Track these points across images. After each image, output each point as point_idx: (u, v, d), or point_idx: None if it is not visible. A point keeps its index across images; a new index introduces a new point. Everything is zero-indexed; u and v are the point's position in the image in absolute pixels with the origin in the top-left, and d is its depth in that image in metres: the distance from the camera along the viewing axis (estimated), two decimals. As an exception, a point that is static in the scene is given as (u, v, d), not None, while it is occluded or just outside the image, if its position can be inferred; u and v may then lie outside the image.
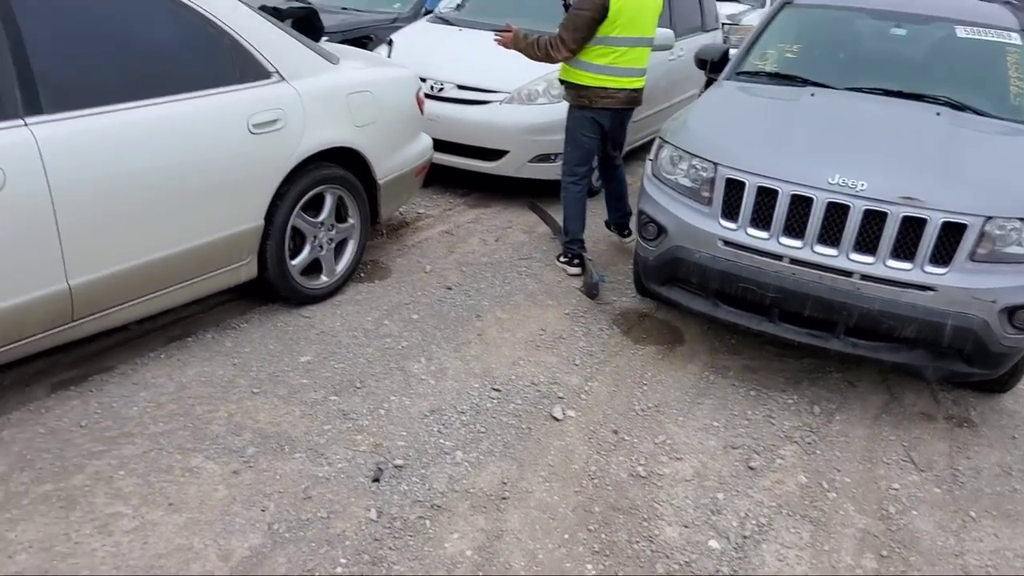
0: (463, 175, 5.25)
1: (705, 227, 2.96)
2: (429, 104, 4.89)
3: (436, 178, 5.40)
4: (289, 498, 2.17)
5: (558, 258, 4.23)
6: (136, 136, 2.43)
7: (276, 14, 3.96)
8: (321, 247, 3.33)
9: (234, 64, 2.80)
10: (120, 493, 2.12)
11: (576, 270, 4.04)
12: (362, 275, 3.75)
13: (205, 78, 2.69)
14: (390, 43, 5.66)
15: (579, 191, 4.04)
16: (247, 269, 2.99)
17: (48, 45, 2.25)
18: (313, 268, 3.36)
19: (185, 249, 2.66)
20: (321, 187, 3.20)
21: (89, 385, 2.63)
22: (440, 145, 4.99)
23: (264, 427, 2.48)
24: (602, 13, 3.57)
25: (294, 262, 3.20)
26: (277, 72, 2.95)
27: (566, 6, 4.15)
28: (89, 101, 2.34)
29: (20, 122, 2.17)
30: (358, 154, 3.35)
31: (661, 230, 3.11)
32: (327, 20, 7.23)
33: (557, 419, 2.70)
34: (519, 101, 4.85)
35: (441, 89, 4.95)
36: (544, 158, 4.89)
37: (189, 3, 2.67)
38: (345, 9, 7.70)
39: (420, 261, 4.00)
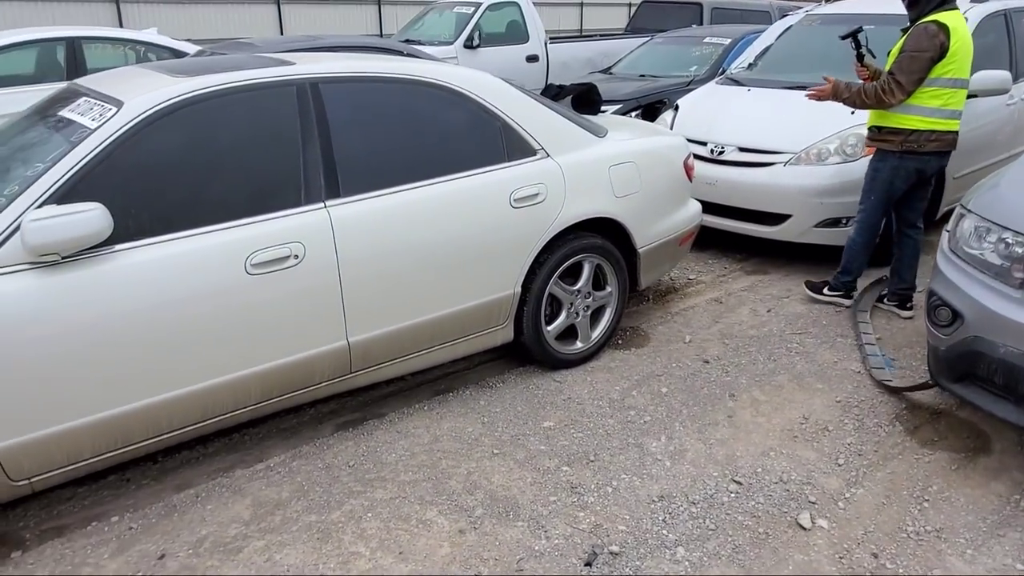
0: (742, 239, 5.02)
1: (1015, 316, 2.43)
2: (708, 168, 4.79)
3: (713, 242, 5.23)
4: (502, 567, 2.23)
5: (822, 290, 4.14)
6: (409, 214, 2.75)
7: (559, 91, 4.23)
8: (577, 314, 3.42)
9: (503, 144, 3.04)
10: (364, 534, 2.37)
11: (847, 301, 4.12)
12: (619, 342, 3.76)
13: (476, 158, 2.97)
14: (676, 108, 5.69)
15: (865, 243, 3.97)
16: (503, 333, 3.18)
17: (348, 139, 2.68)
18: (568, 334, 3.46)
19: (447, 314, 2.92)
20: (579, 256, 3.29)
21: (364, 428, 3.00)
22: (718, 209, 4.85)
23: (496, 489, 2.58)
24: (940, 53, 3.49)
25: (549, 328, 3.32)
26: (543, 149, 3.14)
27: (859, 56, 3.83)
28: (375, 184, 2.72)
29: (321, 205, 2.60)
30: (618, 223, 3.40)
31: (956, 316, 2.62)
32: (624, 87, 7.60)
33: (804, 528, 2.39)
34: (806, 161, 4.51)
35: (722, 152, 4.82)
36: (833, 222, 4.47)
37: (466, 91, 2.98)
38: (643, 76, 7.95)
39: (681, 331, 3.89)
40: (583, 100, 4.17)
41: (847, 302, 4.18)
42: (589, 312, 3.47)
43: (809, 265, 4.78)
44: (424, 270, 2.81)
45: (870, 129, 3.86)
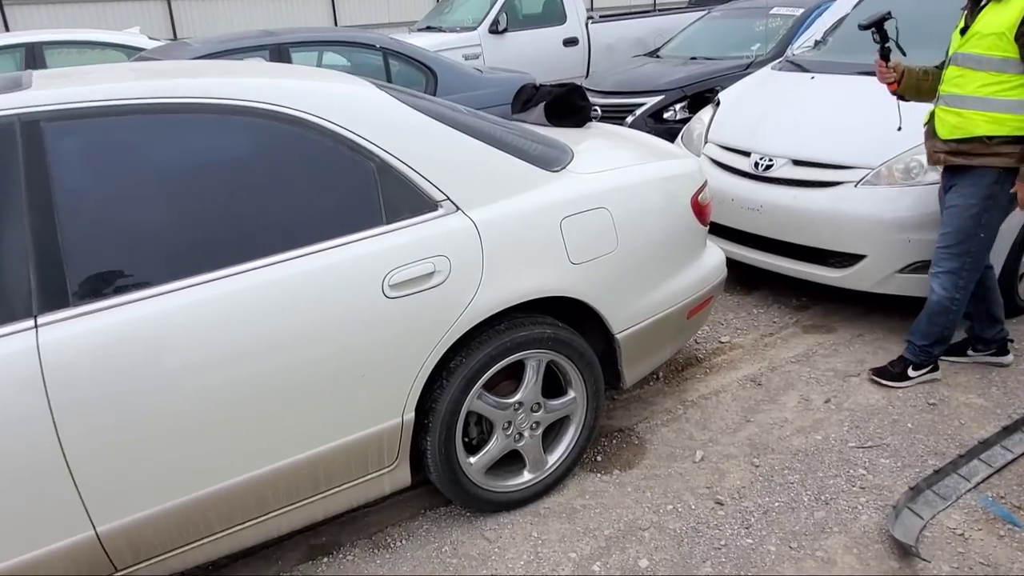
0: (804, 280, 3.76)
1: None
2: (751, 188, 3.56)
3: (763, 279, 3.98)
4: None
5: (903, 375, 2.96)
6: (199, 325, 1.72)
7: (535, 93, 3.09)
8: (520, 435, 2.31)
9: (378, 197, 1.96)
10: None
11: (933, 374, 2.98)
12: (598, 457, 2.63)
13: (329, 224, 1.90)
14: (716, 103, 4.42)
15: (964, 302, 2.85)
16: (393, 477, 2.12)
17: (90, 209, 1.67)
18: (513, 459, 2.36)
19: (281, 467, 1.88)
20: (517, 355, 2.19)
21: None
22: (765, 244, 3.61)
23: None
24: None
25: (472, 460, 2.24)
26: (448, 199, 2.04)
27: (884, 52, 2.87)
28: (143, 279, 1.70)
29: (29, 323, 1.59)
30: (580, 301, 2.27)
31: None
32: (667, 74, 6.31)
33: None
34: (888, 180, 3.22)
35: (770, 166, 3.57)
36: (926, 267, 3.16)
37: (315, 118, 1.91)
38: (694, 59, 6.66)
39: (694, 437, 2.72)
40: (560, 108, 3.02)
41: (938, 375, 2.99)
42: (541, 429, 2.36)
43: (895, 318, 3.47)
44: (230, 409, 1.78)
45: (967, 141, 2.58)
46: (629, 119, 6.15)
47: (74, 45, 6.21)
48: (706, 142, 4.08)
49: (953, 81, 2.62)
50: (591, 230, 2.25)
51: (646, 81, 6.36)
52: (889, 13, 2.75)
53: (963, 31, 2.61)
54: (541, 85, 3.28)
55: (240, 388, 1.76)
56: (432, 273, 1.97)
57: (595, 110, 6.20)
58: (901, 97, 2.91)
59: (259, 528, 1.94)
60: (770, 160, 3.59)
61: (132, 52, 6.28)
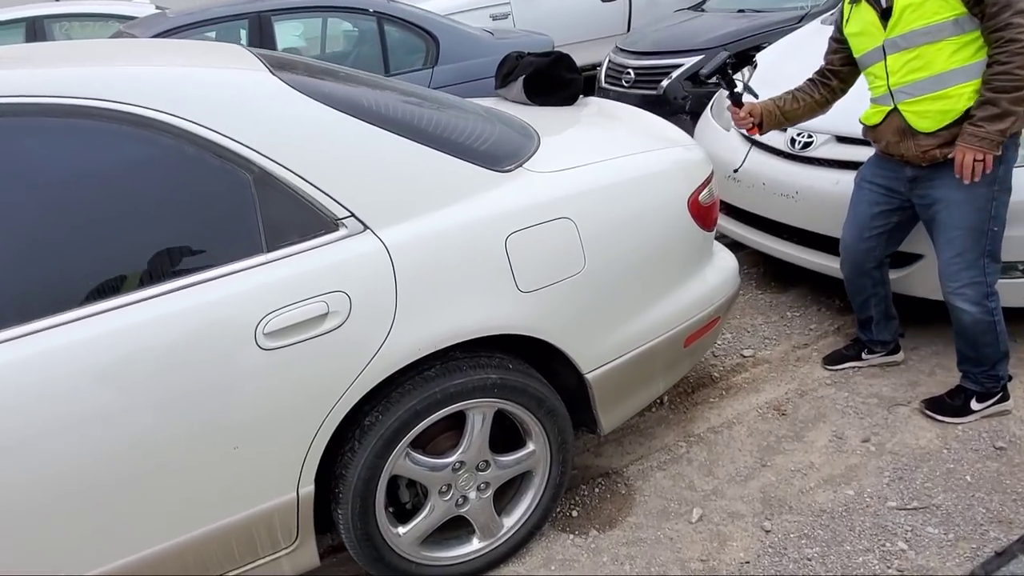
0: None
1: None
2: (787, 169, 3.00)
3: (803, 276, 3.42)
4: None
5: (966, 410, 2.42)
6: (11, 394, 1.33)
7: (516, 65, 2.59)
8: (464, 499, 1.89)
9: (255, 217, 1.52)
10: None
11: (1003, 405, 2.42)
12: (574, 511, 2.19)
13: (179, 260, 1.48)
14: (753, 64, 3.79)
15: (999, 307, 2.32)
16: (293, 560, 1.72)
17: None
18: (464, 521, 1.94)
19: (143, 557, 1.51)
20: (453, 406, 1.75)
21: None
22: (802, 237, 3.05)
23: None
24: None
25: (402, 530, 1.82)
26: (352, 216, 1.59)
27: (734, 97, 2.55)
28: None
29: None
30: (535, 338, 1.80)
31: None
32: (709, 30, 5.63)
33: None
34: (954, 164, 2.60)
35: (808, 144, 2.98)
36: (1009, 267, 2.56)
37: (162, 115, 1.47)
38: (742, 11, 5.94)
39: (694, 484, 2.24)
40: (541, 82, 2.51)
41: (1009, 405, 2.43)
42: (492, 490, 1.92)
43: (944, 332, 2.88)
44: (56, 500, 1.39)
45: (955, 124, 2.17)
46: (664, 83, 5.53)
47: (76, 18, 5.94)
48: (737, 113, 3.48)
49: (908, 67, 2.14)
50: (548, 248, 1.77)
51: (684, 39, 5.71)
52: (730, 56, 2.46)
53: (883, 15, 2.15)
54: (526, 54, 2.76)
55: (64, 475, 1.38)
56: (325, 315, 1.53)
57: (620, 80, 5.58)
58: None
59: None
60: (809, 136, 2.99)
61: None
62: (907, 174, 2.30)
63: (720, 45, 5.47)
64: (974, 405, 2.38)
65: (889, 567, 1.89)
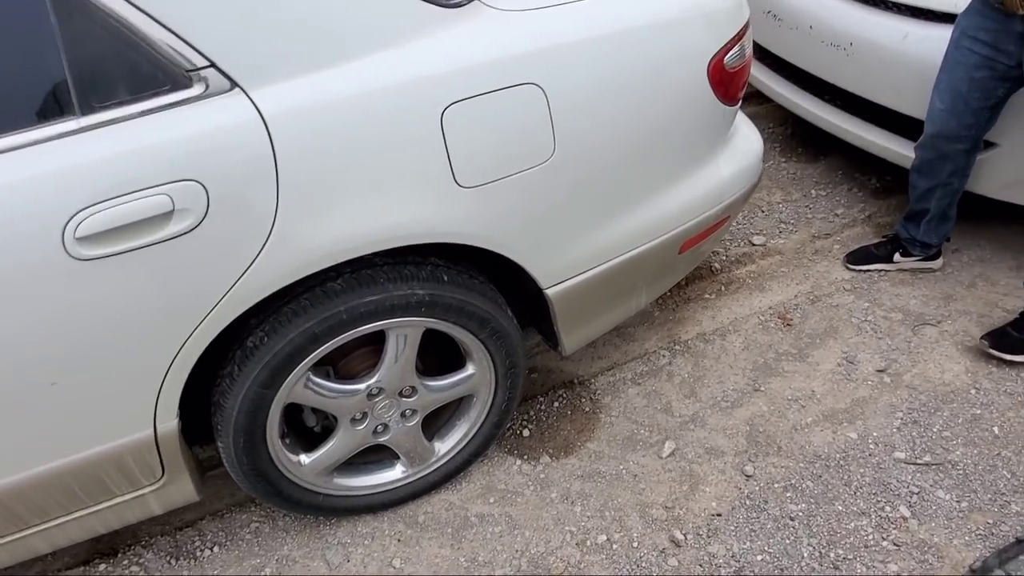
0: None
1: None
2: (842, 10, 2.39)
3: (838, 144, 2.89)
4: None
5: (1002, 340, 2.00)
6: None
7: None
8: (384, 427, 1.54)
9: (61, 64, 1.02)
10: None
11: None
12: (526, 430, 1.87)
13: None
14: None
15: None
16: (162, 496, 1.40)
17: None
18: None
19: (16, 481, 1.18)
20: (365, 327, 1.34)
21: None
22: (848, 101, 2.49)
23: None
24: None
25: (306, 459, 1.49)
26: (214, 67, 1.08)
27: None
28: None
29: None
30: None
31: None
32: None
33: None
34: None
35: (874, -19, 2.32)
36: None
37: None
38: None
39: (671, 407, 1.90)
40: None
41: None
42: (420, 416, 1.57)
43: (1011, 234, 2.41)
44: None
45: None
46: None
47: None
48: (793, -71, 2.75)
49: None
50: (503, 127, 1.27)
51: None
52: None
53: None
54: None
55: None
56: (169, 213, 1.08)
57: None
58: None
59: (24, 543, 1.30)
60: (881, -30, 2.32)
61: None
62: (1019, 28, 1.75)
63: None
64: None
65: (885, 537, 1.59)
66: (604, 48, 1.33)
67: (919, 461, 1.75)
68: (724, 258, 2.41)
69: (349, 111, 1.15)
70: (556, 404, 1.93)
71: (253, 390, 1.31)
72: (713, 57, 1.47)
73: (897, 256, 2.29)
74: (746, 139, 1.75)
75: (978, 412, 1.86)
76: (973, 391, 1.92)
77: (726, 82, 1.53)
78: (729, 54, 1.50)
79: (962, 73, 1.90)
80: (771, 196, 2.70)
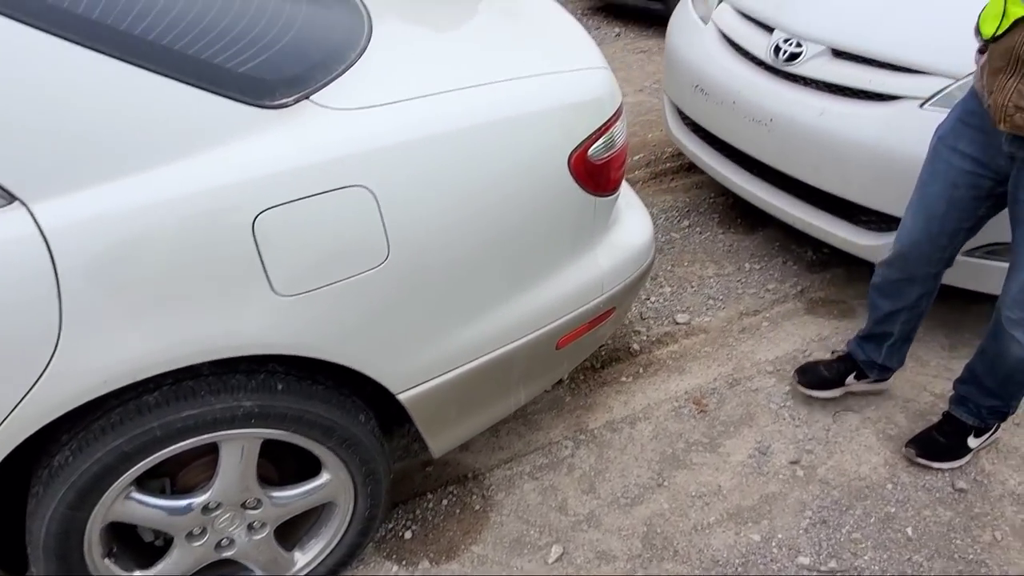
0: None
1: None
2: (763, 85, 2.37)
3: (777, 219, 2.82)
4: None
5: (963, 444, 1.86)
6: None
7: None
8: (229, 541, 1.44)
9: None
10: None
11: (997, 435, 1.90)
12: (407, 532, 1.76)
13: None
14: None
15: None
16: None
17: None
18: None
19: None
20: (187, 441, 1.25)
21: None
22: (772, 176, 2.43)
23: None
24: None
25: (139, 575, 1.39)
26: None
27: None
28: None
29: None
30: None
31: None
32: None
33: None
34: (976, 104, 1.93)
35: (795, 55, 2.29)
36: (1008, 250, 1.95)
37: None
38: None
39: (566, 505, 1.79)
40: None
41: (999, 434, 1.92)
42: (271, 528, 1.47)
43: (949, 304, 2.31)
44: None
45: None
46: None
47: None
48: (720, 1, 2.74)
49: None
50: (325, 232, 1.20)
51: None
52: None
53: None
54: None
55: None
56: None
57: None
58: None
59: None
60: (798, 45, 2.29)
61: None
62: (1006, 147, 1.52)
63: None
64: (971, 442, 1.85)
65: (777, 661, 1.47)
66: (446, 146, 1.27)
67: (823, 568, 1.63)
68: (645, 338, 2.33)
69: (145, 221, 1.08)
70: (445, 502, 1.82)
71: (60, 511, 1.21)
72: (574, 150, 1.41)
73: (850, 379, 2.02)
74: (631, 226, 1.68)
75: (892, 510, 1.75)
76: (889, 486, 1.81)
77: (594, 174, 1.46)
78: (594, 146, 1.44)
79: (939, 190, 1.66)
80: (703, 270, 2.63)
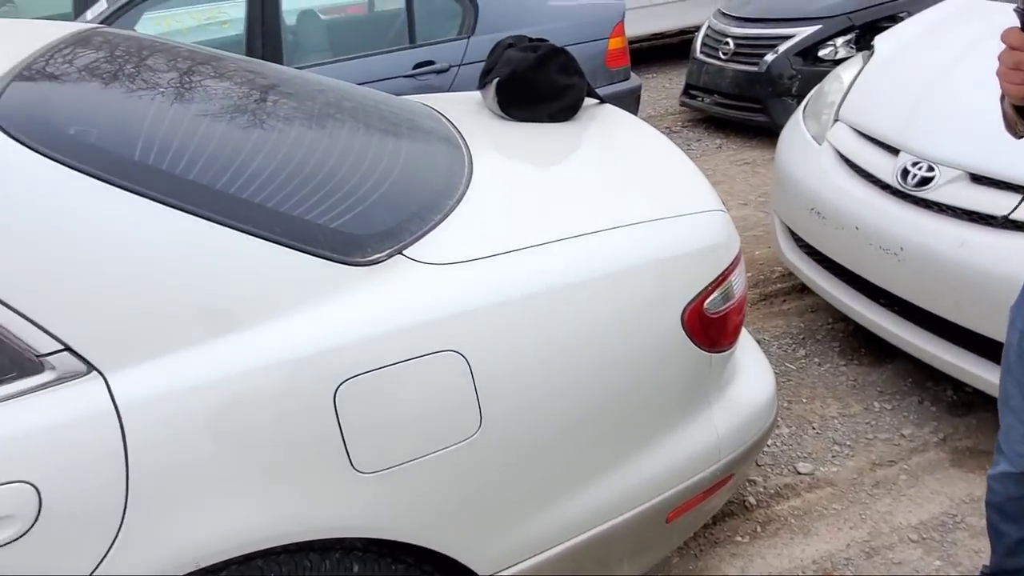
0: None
1: None
2: (890, 212, 2.18)
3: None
4: None
5: None
6: None
7: (500, 56, 1.88)
8: None
9: None
10: None
11: None
12: None
13: None
14: (870, 52, 2.83)
15: None
16: None
17: None
18: None
19: None
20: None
21: None
22: (904, 308, 2.19)
23: None
24: None
25: None
26: (68, 351, 0.97)
27: None
28: None
29: None
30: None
31: None
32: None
33: None
34: None
35: (927, 180, 2.10)
36: None
37: None
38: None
39: None
40: (519, 90, 1.77)
41: None
42: None
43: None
44: None
45: None
46: (769, 56, 4.59)
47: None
48: (836, 120, 2.59)
49: None
50: (412, 402, 1.09)
51: (798, 5, 4.68)
52: None
53: None
54: (529, 40, 2.01)
55: None
56: (-10, 526, 0.93)
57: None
58: None
59: None
60: (930, 169, 2.10)
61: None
62: None
63: (842, 13, 4.45)
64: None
65: None
66: (546, 305, 1.16)
67: None
68: (762, 490, 2.07)
69: (218, 394, 1.00)
70: None
71: None
72: (688, 304, 1.26)
73: None
74: (750, 379, 1.49)
75: None
76: None
77: (710, 328, 1.30)
78: (711, 298, 1.29)
79: None
80: (825, 409, 2.36)
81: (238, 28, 3.34)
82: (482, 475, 1.15)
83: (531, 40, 2.02)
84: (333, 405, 1.04)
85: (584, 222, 1.27)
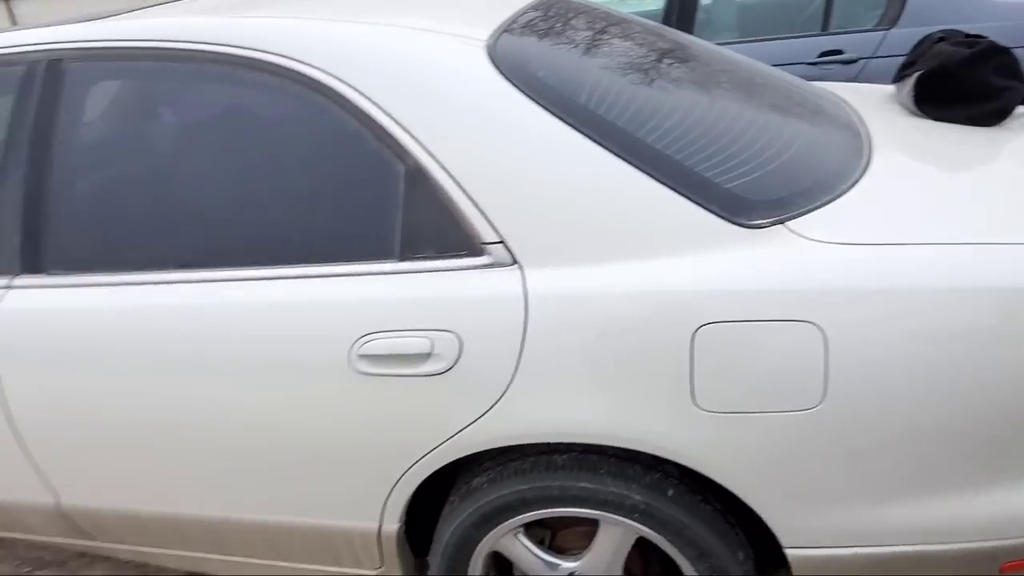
0: None
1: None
2: None
3: None
4: None
5: None
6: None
7: (925, 52, 1.85)
8: (581, 612, 1.49)
9: (395, 216, 1.30)
10: None
11: None
12: None
13: (302, 246, 1.35)
14: None
15: None
16: (383, 578, 1.56)
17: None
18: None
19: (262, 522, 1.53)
20: (574, 509, 1.35)
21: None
22: None
23: None
24: None
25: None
26: (502, 244, 1.25)
27: None
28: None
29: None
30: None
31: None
32: None
33: None
34: None
35: None
36: None
37: (334, 82, 1.32)
38: None
39: None
40: (943, 87, 1.67)
41: None
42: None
43: None
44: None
45: None
46: None
47: None
48: None
49: None
50: (762, 359, 1.17)
51: None
52: None
53: None
54: (965, 36, 1.85)
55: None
56: (427, 355, 1.26)
57: None
58: None
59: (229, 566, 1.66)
60: None
61: None
62: None
63: None
64: None
65: None
66: (928, 304, 1.13)
67: None
68: None
69: (603, 309, 1.20)
70: None
71: (464, 526, 1.40)
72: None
73: None
74: None
75: None
76: None
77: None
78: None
79: None
80: None
81: (658, 3, 3.56)
82: (812, 447, 1.19)
83: (967, 36, 1.86)
84: (691, 342, 1.17)
85: (977, 231, 1.20)
